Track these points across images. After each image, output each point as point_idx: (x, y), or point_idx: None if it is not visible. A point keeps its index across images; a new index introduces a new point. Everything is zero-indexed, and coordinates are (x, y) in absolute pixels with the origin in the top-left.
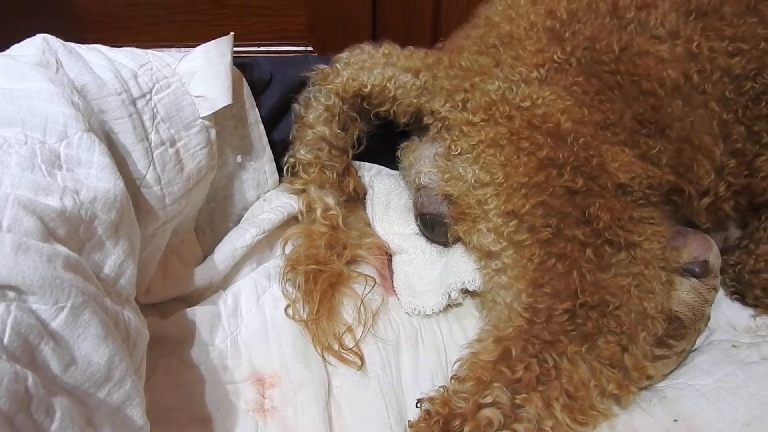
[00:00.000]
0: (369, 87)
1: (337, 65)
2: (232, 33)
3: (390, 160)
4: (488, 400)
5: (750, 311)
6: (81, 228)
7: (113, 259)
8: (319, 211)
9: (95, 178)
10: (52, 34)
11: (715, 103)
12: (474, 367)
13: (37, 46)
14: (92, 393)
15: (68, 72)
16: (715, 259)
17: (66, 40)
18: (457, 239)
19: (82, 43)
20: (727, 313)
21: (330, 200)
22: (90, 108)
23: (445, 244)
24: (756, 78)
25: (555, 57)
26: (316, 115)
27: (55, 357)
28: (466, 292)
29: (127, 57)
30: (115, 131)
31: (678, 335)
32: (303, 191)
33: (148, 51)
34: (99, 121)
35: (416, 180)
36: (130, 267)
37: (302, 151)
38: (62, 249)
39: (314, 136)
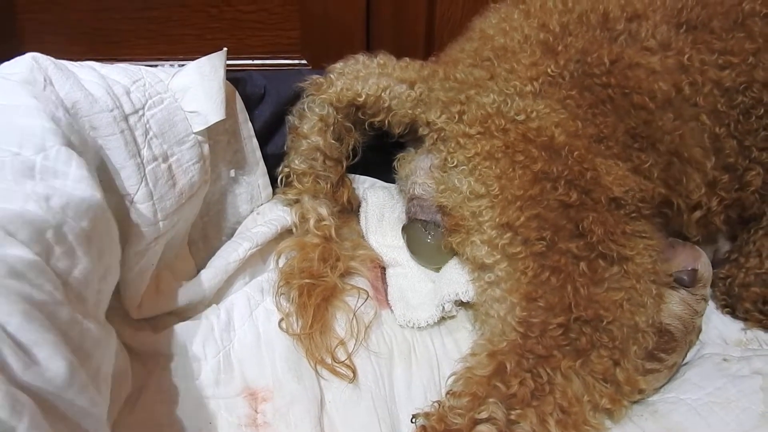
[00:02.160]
0: (363, 97)
1: (331, 75)
2: (225, 49)
3: (384, 173)
4: (484, 415)
5: (741, 324)
6: (49, 232)
7: (82, 267)
8: (312, 222)
9: (71, 188)
10: (46, 49)
11: (706, 116)
12: (469, 383)
13: (25, 64)
14: (54, 397)
15: (59, 89)
16: (704, 267)
17: (60, 54)
18: (446, 257)
19: (77, 57)
20: (718, 327)
21: (323, 211)
22: (80, 125)
23: (424, 261)
24: (746, 92)
25: (549, 70)
26: (310, 125)
27: (16, 358)
28: (460, 304)
29: (120, 73)
30: (107, 147)
31: (669, 348)
32: (297, 202)
33: (142, 67)
34: (90, 137)
35: (411, 190)
36: (101, 278)
37: (296, 161)
38: (11, 256)
39: (308, 146)
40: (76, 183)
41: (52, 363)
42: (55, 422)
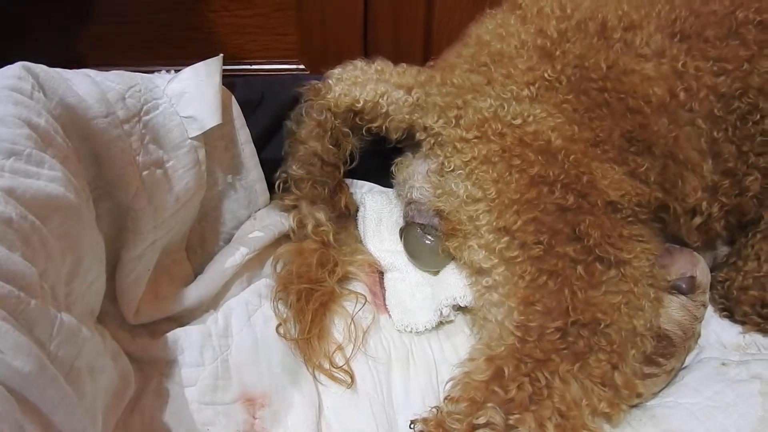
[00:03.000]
0: (361, 102)
1: (330, 81)
2: (221, 54)
3: (382, 178)
4: (482, 420)
5: (739, 329)
6: (13, 220)
7: (56, 260)
8: (310, 227)
9: (42, 185)
10: (43, 57)
11: (702, 120)
12: (467, 388)
13: (14, 73)
14: (23, 389)
15: (51, 96)
16: (702, 274)
17: (58, 61)
18: (444, 260)
19: (75, 63)
20: (717, 331)
21: (321, 216)
22: (74, 131)
23: (422, 264)
24: (742, 98)
25: (545, 75)
26: (307, 130)
27: None
28: (458, 308)
29: (116, 80)
30: (102, 154)
31: (667, 353)
32: (294, 207)
33: (137, 73)
34: (85, 144)
35: (408, 194)
36: (70, 276)
37: (294, 167)
38: None
39: (306, 151)
40: (49, 182)
41: (17, 353)
42: (31, 416)
